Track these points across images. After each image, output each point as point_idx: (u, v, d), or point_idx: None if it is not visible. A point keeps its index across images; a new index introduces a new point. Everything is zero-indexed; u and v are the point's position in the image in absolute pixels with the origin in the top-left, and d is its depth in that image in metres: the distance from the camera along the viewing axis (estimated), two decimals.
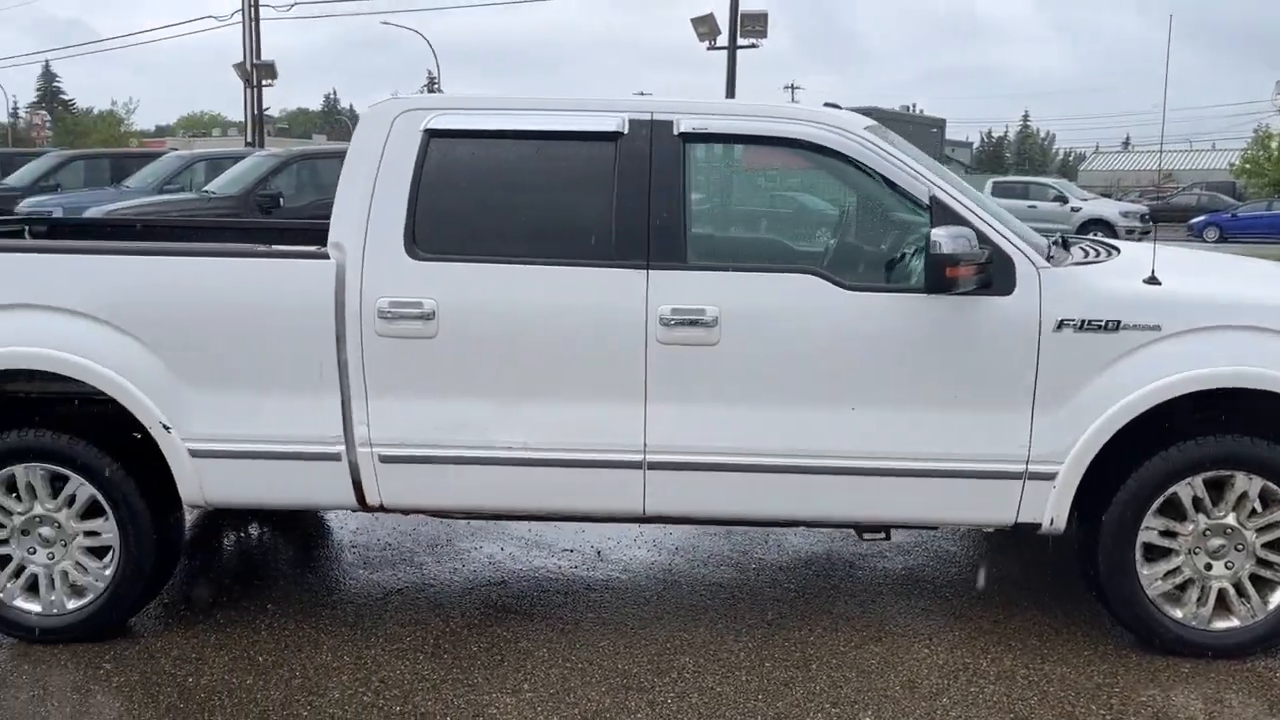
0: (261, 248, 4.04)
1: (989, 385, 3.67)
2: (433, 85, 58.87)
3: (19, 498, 3.87)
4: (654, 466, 3.74)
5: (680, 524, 4.21)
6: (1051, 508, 3.71)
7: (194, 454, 3.79)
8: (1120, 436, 3.66)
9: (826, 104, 4.18)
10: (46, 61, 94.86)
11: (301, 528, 5.16)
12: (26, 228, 5.42)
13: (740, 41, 20.85)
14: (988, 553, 4.85)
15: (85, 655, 3.82)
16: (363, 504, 3.86)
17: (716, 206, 3.95)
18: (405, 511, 3.97)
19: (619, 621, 4.08)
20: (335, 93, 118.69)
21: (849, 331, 3.67)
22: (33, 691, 3.58)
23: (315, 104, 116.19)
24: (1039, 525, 3.75)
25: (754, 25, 20.79)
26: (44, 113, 74.91)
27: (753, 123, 3.83)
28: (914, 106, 62.19)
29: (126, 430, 3.81)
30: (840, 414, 3.70)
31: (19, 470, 3.84)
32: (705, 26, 21.50)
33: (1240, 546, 3.73)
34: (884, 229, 3.96)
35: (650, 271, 3.67)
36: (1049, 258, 3.75)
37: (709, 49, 21.61)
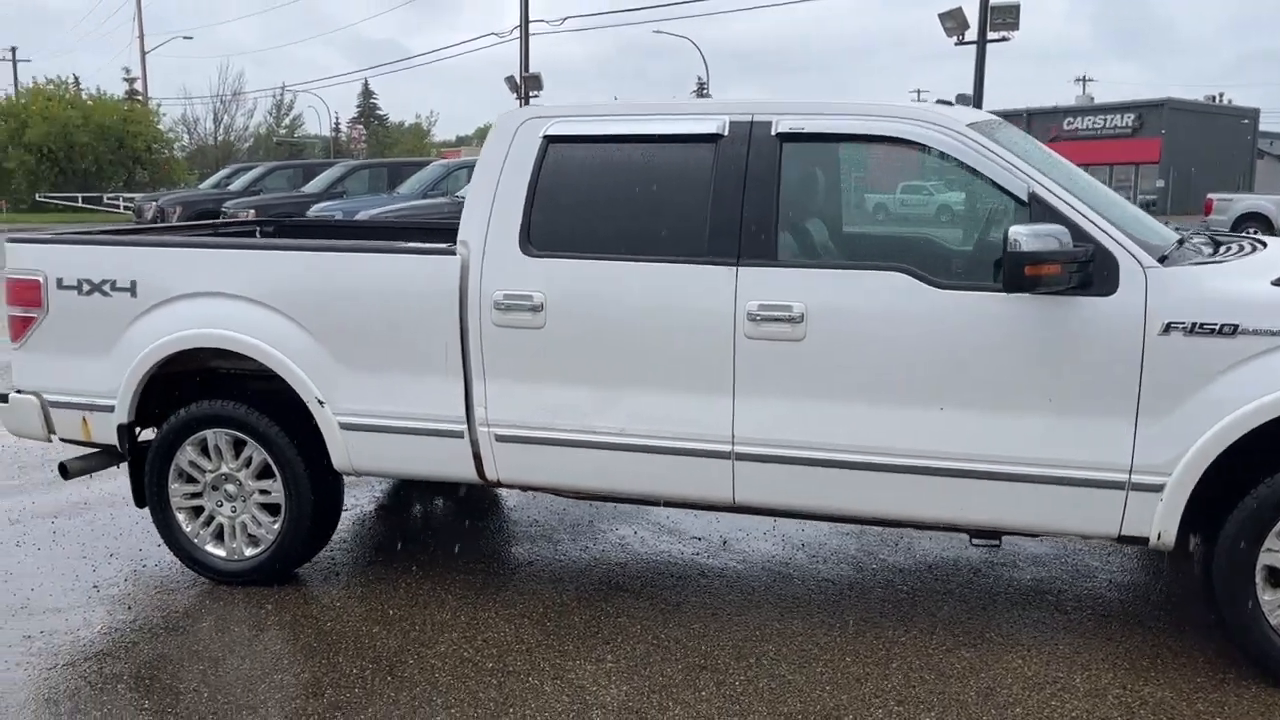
0: (401, 244, 4.48)
1: (1088, 389, 3.53)
2: (702, 90, 60.00)
3: (209, 458, 4.51)
4: (741, 458, 3.86)
5: (773, 515, 4.28)
6: (1159, 521, 3.51)
7: (344, 427, 4.29)
8: (1242, 450, 3.43)
9: (939, 101, 4.13)
10: (365, 80, 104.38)
11: (471, 502, 5.62)
12: (258, 229, 6.23)
13: (990, 35, 19.92)
14: (1132, 569, 4.59)
15: (256, 596, 4.41)
16: (483, 478, 4.22)
17: (812, 204, 3.99)
18: (518, 487, 4.29)
19: (718, 606, 4.22)
20: (615, 100, 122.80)
21: (938, 330, 3.63)
22: (213, 621, 4.18)
23: None
24: (1146, 539, 3.56)
25: (1005, 18, 19.79)
26: (360, 127, 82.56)
27: (851, 121, 3.86)
28: (1220, 97, 56.73)
29: (293, 404, 4.36)
30: (929, 414, 3.67)
31: (209, 434, 4.49)
32: (953, 21, 20.68)
33: None
34: (981, 227, 3.88)
35: (740, 268, 3.80)
36: (1164, 257, 3.55)
37: (957, 44, 20.78)
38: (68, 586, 4.54)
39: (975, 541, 3.93)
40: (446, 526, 5.39)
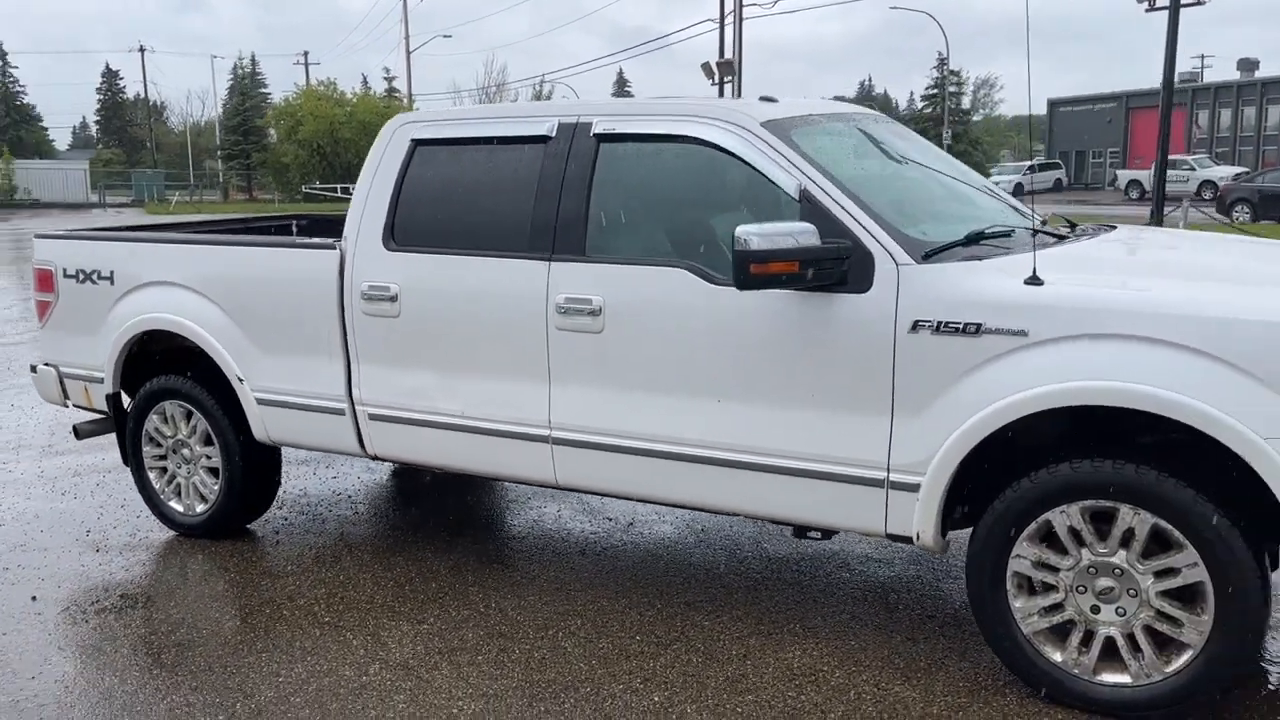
0: (294, 239, 4.96)
1: (846, 386, 3.53)
2: (942, 65, 57.83)
3: (169, 425, 5.19)
4: (558, 442, 4.10)
5: (596, 495, 4.46)
6: (918, 521, 3.48)
7: (259, 402, 4.84)
8: (999, 450, 3.36)
9: (763, 97, 4.16)
10: (620, 69, 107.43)
11: (438, 484, 6.07)
12: (294, 223, 6.93)
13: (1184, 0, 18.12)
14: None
15: (212, 548, 5.06)
16: (365, 452, 4.66)
17: (621, 203, 4.10)
18: (392, 461, 4.70)
19: (566, 581, 4.48)
20: (870, 79, 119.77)
21: (714, 325, 3.73)
22: (218, 563, 4.86)
23: (851, 91, 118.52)
24: (910, 539, 3.53)
25: None
26: None
27: (655, 121, 4.00)
28: None
29: (225, 381, 4.95)
30: (709, 406, 3.78)
31: (168, 405, 5.17)
32: None
33: (1133, 592, 3.22)
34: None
35: (552, 263, 4.03)
36: (931, 253, 3.48)
37: (1147, 11, 19.07)
38: (69, 531, 5.35)
39: (796, 535, 3.98)
40: (395, 499, 5.88)
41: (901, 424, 3.46)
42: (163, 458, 5.28)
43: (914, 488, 3.45)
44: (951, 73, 61.61)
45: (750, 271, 3.38)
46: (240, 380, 4.84)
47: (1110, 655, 3.28)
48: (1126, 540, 3.19)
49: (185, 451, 5.19)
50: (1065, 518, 3.25)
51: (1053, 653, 3.36)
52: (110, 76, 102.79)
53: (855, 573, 4.51)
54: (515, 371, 4.15)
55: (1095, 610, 3.28)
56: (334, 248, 4.57)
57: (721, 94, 29.81)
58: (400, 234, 4.42)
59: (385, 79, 67.99)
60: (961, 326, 3.33)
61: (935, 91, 61.11)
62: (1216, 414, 2.98)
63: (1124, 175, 46.38)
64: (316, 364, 4.65)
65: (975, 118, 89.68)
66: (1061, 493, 3.24)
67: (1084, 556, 3.26)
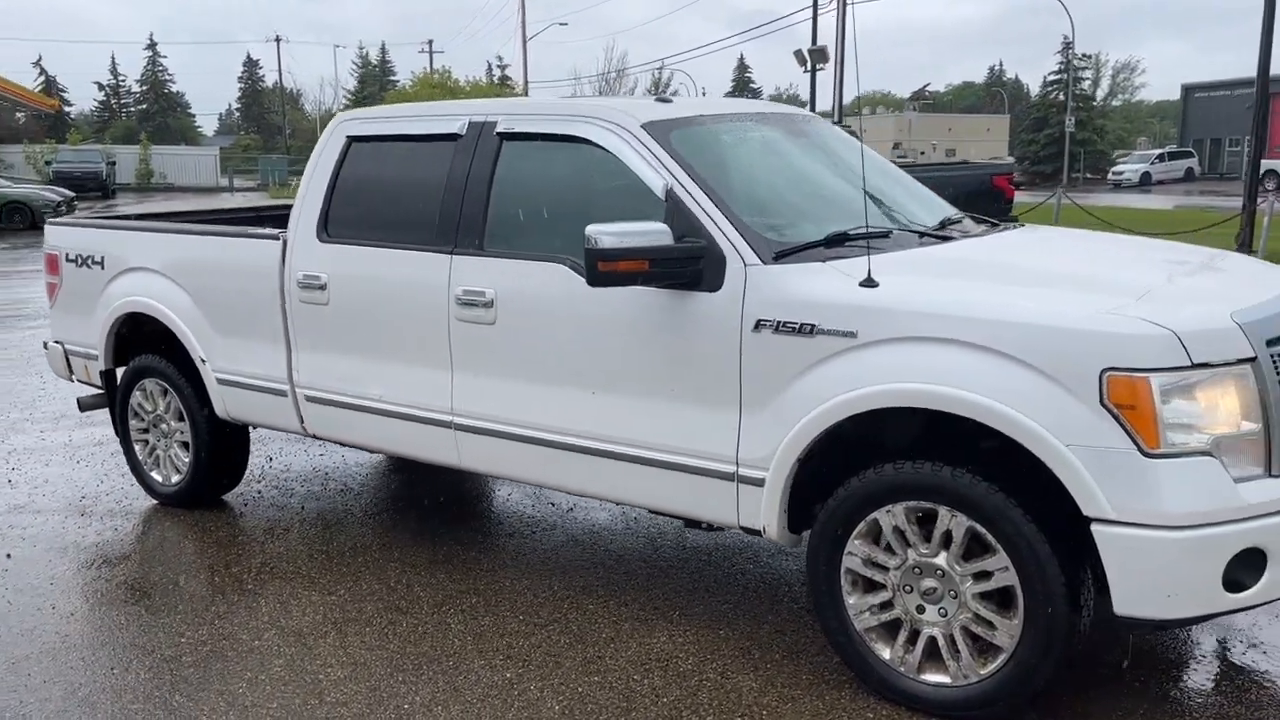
0: (245, 229, 5.26)
1: (701, 382, 3.63)
2: (1067, 49, 55.80)
3: (149, 401, 5.58)
4: (459, 428, 4.29)
5: (502, 479, 4.62)
6: (763, 515, 3.55)
7: (220, 382, 5.17)
8: (841, 448, 3.42)
9: (659, 98, 4.25)
10: (741, 54, 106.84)
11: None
12: None
13: None
14: None
15: (184, 516, 5.43)
16: (306, 432, 4.94)
17: (518, 199, 4.23)
18: (329, 441, 4.97)
19: (477, 560, 4.68)
20: (1000, 64, 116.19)
21: (587, 319, 3.86)
22: (180, 530, 5.25)
23: (980, 76, 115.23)
24: (760, 532, 3.61)
25: None
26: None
27: (549, 122, 4.14)
28: None
29: (192, 361, 5.31)
30: (585, 397, 3.91)
31: (148, 382, 5.56)
32: None
33: (954, 593, 3.24)
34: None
35: (454, 256, 4.21)
36: (782, 254, 3.54)
37: None
38: (67, 496, 5.81)
39: (687, 525, 4.09)
40: (368, 479, 6.16)
41: (749, 420, 3.54)
42: (145, 431, 5.67)
43: (760, 482, 3.53)
44: (1084, 56, 59.39)
45: (599, 269, 3.50)
46: (203, 361, 5.18)
47: (934, 655, 3.31)
48: (946, 542, 3.22)
49: (163, 426, 5.58)
50: (891, 518, 3.29)
51: (883, 650, 3.40)
52: (251, 66, 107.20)
53: (761, 565, 4.58)
54: (424, 360, 4.35)
55: (920, 610, 3.31)
56: (278, 238, 4.85)
57: (814, 82, 29.54)
58: (332, 226, 4.67)
59: (498, 67, 69.12)
60: (798, 327, 3.39)
61: (1060, 77, 59.01)
62: (1017, 417, 2.99)
63: (1262, 165, 43.97)
64: (264, 348, 4.94)
65: (1114, 103, 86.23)
66: (887, 493, 3.28)
67: (910, 556, 3.30)
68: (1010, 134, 76.71)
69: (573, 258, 3.91)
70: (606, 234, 3.49)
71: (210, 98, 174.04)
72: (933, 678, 3.31)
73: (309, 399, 4.81)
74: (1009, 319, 3.07)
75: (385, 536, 5.05)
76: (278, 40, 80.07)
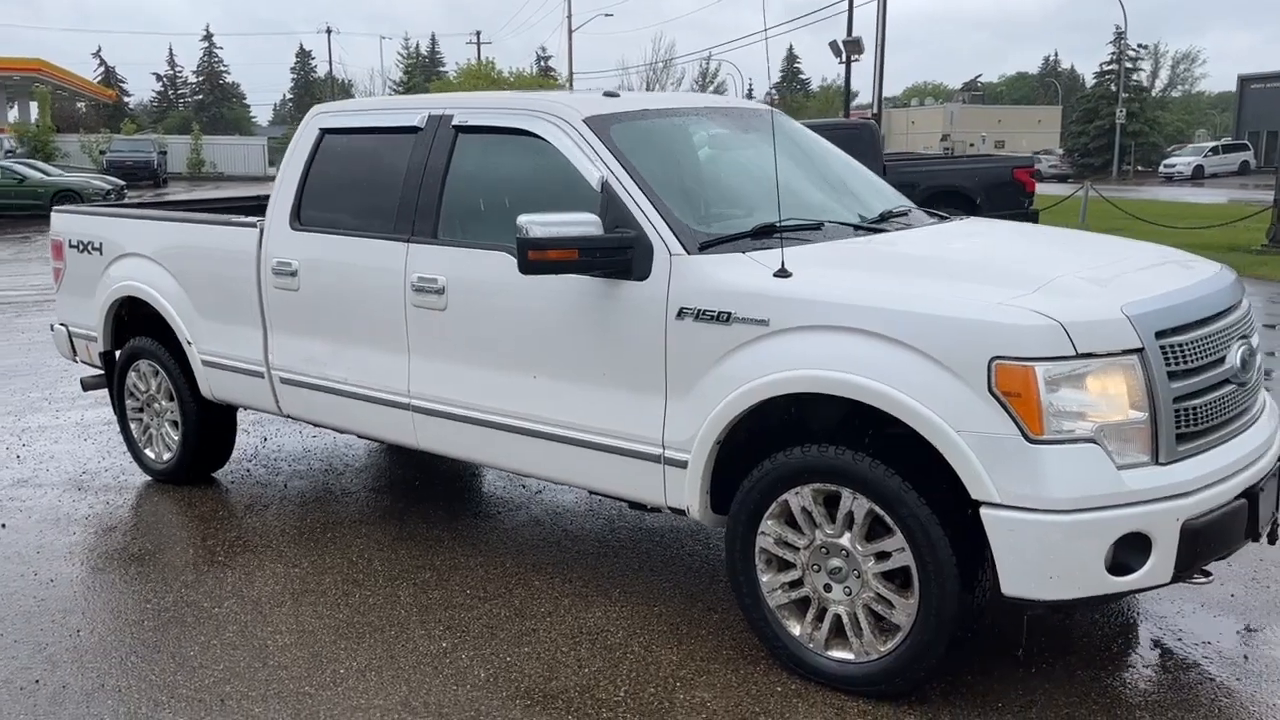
0: (227, 217, 5.47)
1: (630, 367, 3.77)
2: (1119, 40, 54.88)
3: (143, 382, 5.84)
4: (415, 410, 4.47)
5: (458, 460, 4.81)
6: (688, 496, 3.69)
7: (204, 364, 5.41)
8: (772, 432, 3.54)
9: (606, 93, 4.38)
10: (790, 44, 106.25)
11: None
12: None
13: None
14: None
15: (174, 492, 5.69)
16: (281, 412, 5.15)
17: (472, 189, 4.37)
18: (301, 421, 5.18)
19: (439, 537, 4.86)
20: (1055, 54, 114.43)
21: (528, 306, 4.02)
22: (167, 505, 5.51)
23: (1035, 67, 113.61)
24: (685, 512, 3.74)
25: None
26: (772, 93, 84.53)
27: (500, 115, 4.29)
28: None
29: (180, 343, 5.54)
30: (528, 380, 4.07)
31: (142, 363, 5.81)
32: None
33: (858, 573, 3.36)
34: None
35: (410, 244, 4.39)
36: (707, 245, 3.67)
37: None
38: (69, 471, 6.09)
39: (632, 507, 4.23)
40: (357, 460, 6.37)
41: (674, 404, 3.68)
42: (140, 410, 5.93)
43: (684, 464, 3.67)
44: (1140, 46, 58.35)
45: (530, 258, 3.65)
46: (189, 343, 5.42)
47: (840, 632, 3.44)
48: (850, 523, 3.34)
49: (155, 406, 5.83)
50: (800, 499, 3.42)
51: (793, 626, 3.53)
52: (303, 56, 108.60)
53: (710, 548, 4.71)
54: (383, 344, 4.54)
55: (828, 588, 3.43)
56: (255, 226, 5.06)
57: (848, 73, 29.41)
58: (304, 215, 4.87)
59: (541, 58, 69.48)
60: (716, 314, 3.52)
61: (1113, 68, 58.06)
62: (910, 403, 3.10)
63: None
64: (243, 331, 5.16)
65: (1174, 94, 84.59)
66: (796, 475, 3.40)
67: (817, 537, 3.42)
68: (1062, 126, 75.59)
69: (514, 244, 4.07)
70: (537, 224, 3.63)
71: (265, 88, 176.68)
72: (838, 654, 3.44)
73: (282, 381, 5.02)
74: (905, 309, 3.17)
75: (357, 514, 5.25)
76: (328, 31, 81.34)
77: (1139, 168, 56.08)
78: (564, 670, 3.63)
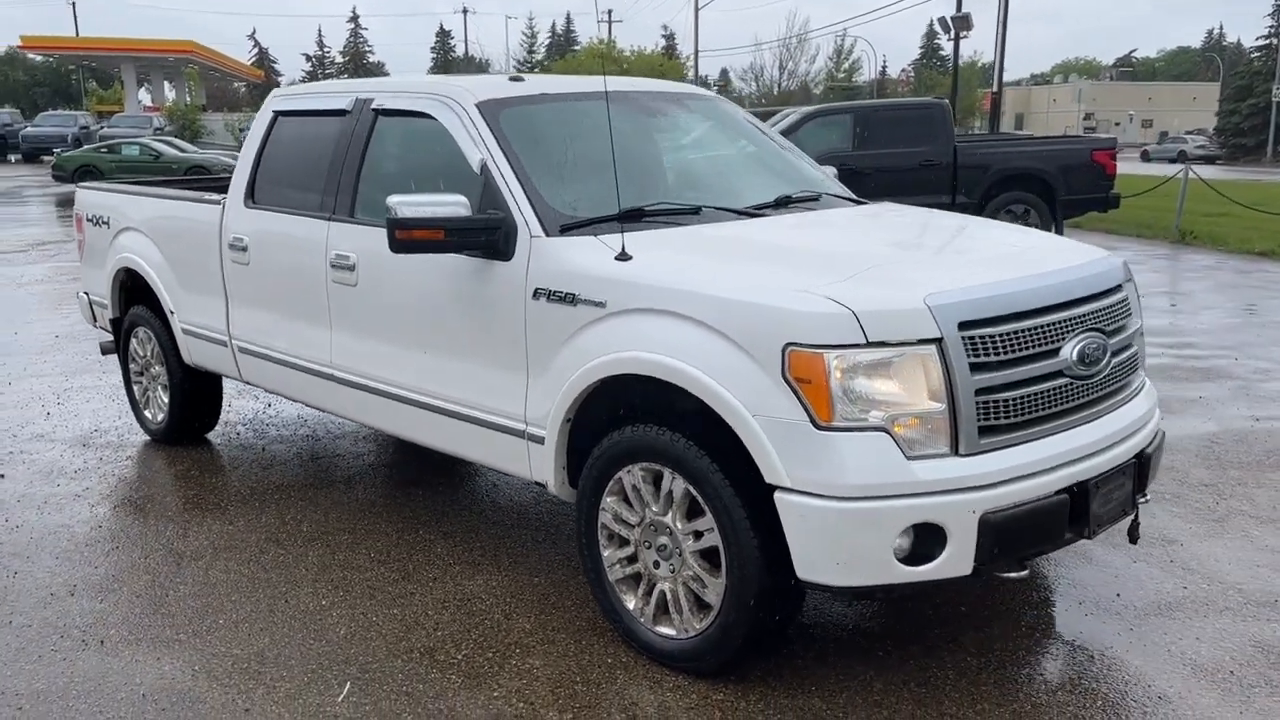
0: (197, 194, 5.78)
1: (499, 344, 3.89)
2: (1278, 10, 51.45)
3: (142, 346, 6.25)
4: (338, 381, 4.69)
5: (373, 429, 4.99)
6: (545, 470, 3.80)
7: (184, 332, 5.76)
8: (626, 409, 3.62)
9: (512, 77, 4.47)
10: (931, 20, 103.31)
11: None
12: None
13: None
14: None
15: (167, 451, 6.09)
16: (242, 379, 5.46)
17: (385, 170, 4.52)
18: (259, 388, 5.47)
19: (397, 508, 5.09)
20: (1221, 27, 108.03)
21: (415, 283, 4.17)
22: (151, 463, 5.94)
23: (1198, 40, 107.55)
24: (546, 486, 3.86)
25: None
26: (909, 69, 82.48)
27: (409, 99, 4.44)
28: None
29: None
30: (416, 355, 4.24)
31: (140, 330, 6.22)
32: None
33: (680, 552, 3.42)
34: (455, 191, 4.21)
35: (330, 223, 4.60)
36: (568, 227, 3.75)
37: None
38: (80, 429, 6.57)
39: (536, 482, 4.36)
40: (341, 429, 6.66)
41: (534, 381, 3.79)
42: (140, 374, 6.35)
43: (542, 440, 3.78)
44: None
45: (397, 237, 3.79)
46: (172, 313, 5.78)
47: (666, 608, 3.50)
48: (670, 501, 3.39)
49: (152, 370, 6.23)
50: (631, 477, 3.49)
51: (629, 600, 3.61)
52: (443, 36, 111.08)
53: None
54: (311, 317, 4.77)
55: (656, 565, 3.50)
56: (216, 202, 5.36)
57: (956, 49, 28.48)
58: (257, 193, 5.14)
59: (663, 37, 69.36)
60: (563, 295, 3.61)
61: (1269, 41, 54.60)
62: (713, 386, 3.13)
63: None
64: (212, 302, 5.49)
65: None
66: (627, 454, 3.48)
67: (647, 515, 3.49)
68: (1219, 103, 71.53)
69: None
70: (405, 204, 3.78)
71: (407, 68, 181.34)
72: (663, 629, 3.51)
73: (240, 350, 5.32)
74: (712, 294, 3.21)
75: (313, 479, 5.53)
76: (465, 12, 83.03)
77: None
78: (418, 632, 3.80)
